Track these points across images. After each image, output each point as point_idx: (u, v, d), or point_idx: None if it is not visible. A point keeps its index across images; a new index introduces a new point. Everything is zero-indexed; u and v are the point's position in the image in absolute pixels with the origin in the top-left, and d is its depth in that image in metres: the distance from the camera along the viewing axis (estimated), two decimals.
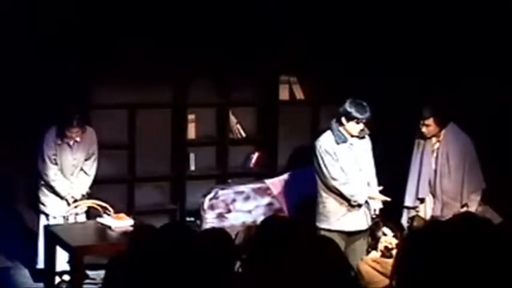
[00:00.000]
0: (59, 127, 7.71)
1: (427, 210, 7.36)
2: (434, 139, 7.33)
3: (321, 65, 9.04)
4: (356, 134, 6.94)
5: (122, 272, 4.11)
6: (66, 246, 7.05)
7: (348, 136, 6.95)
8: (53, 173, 7.74)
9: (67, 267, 7.45)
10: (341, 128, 6.93)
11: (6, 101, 8.03)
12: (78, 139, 7.70)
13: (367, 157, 7.07)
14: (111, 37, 8.32)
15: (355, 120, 6.88)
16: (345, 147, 6.95)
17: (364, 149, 7.06)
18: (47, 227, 7.52)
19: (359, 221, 6.97)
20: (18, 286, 7.85)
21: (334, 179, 6.89)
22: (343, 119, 6.90)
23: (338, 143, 6.92)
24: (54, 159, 7.74)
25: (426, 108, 7.21)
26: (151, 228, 5.04)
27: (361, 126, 6.91)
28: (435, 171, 7.31)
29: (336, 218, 6.96)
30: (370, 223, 6.90)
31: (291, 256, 3.91)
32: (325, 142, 6.97)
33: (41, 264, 7.74)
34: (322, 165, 6.94)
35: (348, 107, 6.89)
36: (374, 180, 7.10)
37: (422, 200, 7.37)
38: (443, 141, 7.30)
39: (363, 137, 7.04)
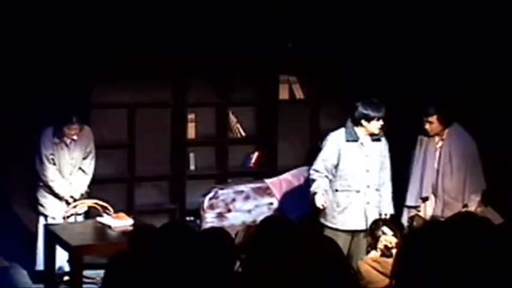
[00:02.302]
0: (57, 126, 7.69)
1: (427, 210, 7.37)
2: (437, 138, 7.33)
3: (321, 64, 9.05)
4: (378, 131, 7.03)
5: (121, 271, 4.11)
6: (65, 246, 7.05)
7: (360, 135, 7.01)
8: (51, 174, 7.72)
9: (66, 267, 7.44)
10: (356, 128, 7.01)
11: (6, 101, 8.02)
12: (75, 137, 7.68)
13: (379, 159, 7.09)
14: (111, 36, 8.31)
15: (376, 118, 6.97)
16: (355, 145, 7.02)
17: (377, 151, 7.08)
18: (46, 226, 7.51)
19: (359, 220, 7.00)
20: (18, 286, 7.84)
21: (314, 169, 7.09)
22: (363, 121, 6.97)
23: (347, 140, 7.03)
24: (52, 159, 7.72)
25: (431, 106, 7.23)
26: (152, 228, 5.04)
27: (381, 122, 7.01)
28: (437, 170, 7.31)
29: (332, 216, 7.03)
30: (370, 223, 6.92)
31: (291, 256, 3.91)
32: (335, 137, 7.11)
33: (39, 266, 7.72)
34: (318, 155, 7.12)
35: (364, 109, 6.96)
36: (386, 184, 7.15)
37: (425, 199, 7.36)
38: (447, 140, 7.31)
39: (378, 139, 7.08)
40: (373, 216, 6.95)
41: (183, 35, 8.64)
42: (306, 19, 8.92)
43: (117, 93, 8.64)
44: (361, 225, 6.99)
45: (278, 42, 8.99)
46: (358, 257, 6.68)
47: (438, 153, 7.33)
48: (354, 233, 7.06)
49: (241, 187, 8.66)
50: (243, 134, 9.29)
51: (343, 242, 6.70)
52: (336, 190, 7.07)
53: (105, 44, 8.29)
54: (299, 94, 9.42)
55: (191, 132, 9.07)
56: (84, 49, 8.23)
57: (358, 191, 7.02)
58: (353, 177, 7.02)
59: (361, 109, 6.99)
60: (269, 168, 9.19)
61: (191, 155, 9.13)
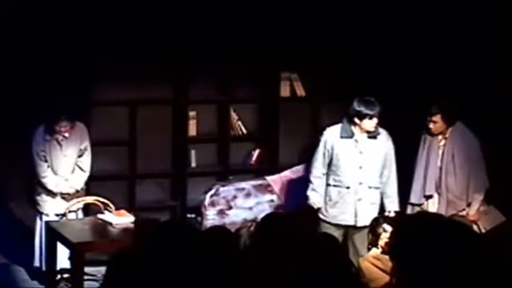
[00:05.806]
0: (48, 123, 7.67)
1: (430, 208, 7.35)
2: (440, 136, 7.34)
3: (322, 62, 9.04)
4: (372, 129, 7.04)
5: (123, 268, 4.12)
6: (66, 243, 7.05)
7: (356, 132, 7.02)
8: (42, 170, 7.70)
9: (67, 264, 7.45)
10: (352, 126, 7.01)
11: (6, 100, 8.03)
12: (66, 134, 7.65)
13: (376, 157, 7.08)
14: (111, 34, 8.31)
15: (368, 116, 6.96)
16: (349, 142, 7.03)
17: (374, 148, 7.08)
18: (47, 223, 7.51)
19: (349, 216, 7.04)
20: (15, 284, 7.85)
21: (313, 167, 7.18)
22: (356, 119, 6.98)
23: (342, 137, 7.05)
24: (44, 156, 7.70)
25: (435, 105, 7.24)
26: (156, 223, 5.05)
27: (375, 120, 7.01)
28: (440, 169, 7.32)
29: (325, 209, 7.10)
30: (360, 220, 6.98)
31: (292, 253, 3.92)
32: (329, 133, 7.16)
33: (37, 262, 7.74)
34: (315, 152, 7.21)
35: (357, 106, 6.98)
36: (390, 181, 7.16)
37: (428, 197, 7.36)
38: (450, 139, 7.31)
39: (374, 137, 7.07)
40: (365, 213, 6.97)
41: (185, 32, 8.64)
42: (307, 18, 8.91)
43: (118, 91, 8.64)
44: (350, 221, 7.04)
45: (279, 39, 8.98)
46: (356, 254, 6.72)
47: (441, 152, 7.33)
48: (346, 228, 7.10)
49: (243, 184, 8.67)
50: (244, 131, 9.29)
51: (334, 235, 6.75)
52: (328, 184, 7.13)
53: (106, 42, 8.29)
54: (300, 91, 9.41)
55: (192, 129, 9.07)
56: (85, 47, 8.24)
57: (348, 187, 7.05)
58: (345, 173, 7.05)
59: (354, 106, 7.02)
60: (270, 165, 9.19)
61: (192, 152, 9.13)
